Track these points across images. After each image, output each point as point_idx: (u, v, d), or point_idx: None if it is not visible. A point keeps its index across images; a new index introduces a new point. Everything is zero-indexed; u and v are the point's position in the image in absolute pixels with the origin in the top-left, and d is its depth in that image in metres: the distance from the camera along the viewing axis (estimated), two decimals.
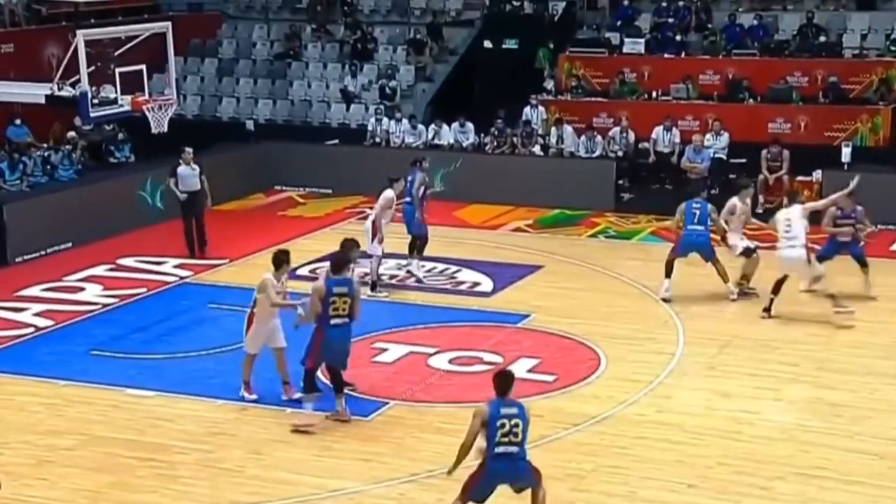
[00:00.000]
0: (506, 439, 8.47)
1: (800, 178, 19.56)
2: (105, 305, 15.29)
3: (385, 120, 22.69)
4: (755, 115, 21.74)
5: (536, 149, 21.55)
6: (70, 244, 18.04)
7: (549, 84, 23.37)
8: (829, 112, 21.44)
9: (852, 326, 13.92)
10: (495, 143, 21.79)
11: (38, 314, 14.89)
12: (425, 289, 15.76)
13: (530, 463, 8.69)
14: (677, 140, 20.94)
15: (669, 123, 21.22)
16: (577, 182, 20.28)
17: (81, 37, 15.33)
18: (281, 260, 11.78)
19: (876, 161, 19.89)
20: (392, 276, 16.20)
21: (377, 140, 22.62)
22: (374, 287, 15.33)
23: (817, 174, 19.35)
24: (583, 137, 21.43)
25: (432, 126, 22.47)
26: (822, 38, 23.04)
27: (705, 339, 13.59)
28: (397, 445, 10.88)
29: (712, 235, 15.23)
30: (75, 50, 15.25)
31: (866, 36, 23.26)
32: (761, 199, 19.50)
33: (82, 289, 16.02)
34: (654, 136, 21.33)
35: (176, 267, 16.83)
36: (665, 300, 14.92)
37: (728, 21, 24.05)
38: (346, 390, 11.55)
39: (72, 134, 21.69)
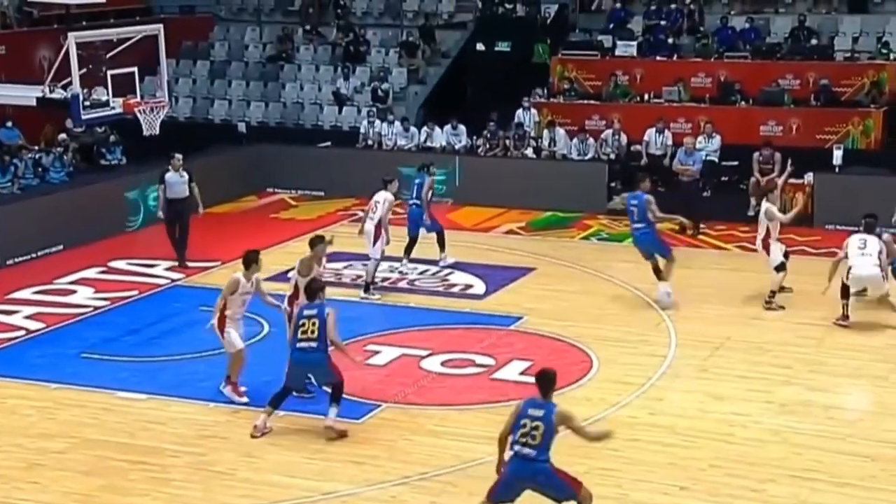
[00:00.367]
0: (523, 440, 8.45)
1: (791, 180, 19.55)
2: (96, 308, 15.26)
3: (377, 122, 22.69)
4: (747, 117, 21.77)
5: (529, 151, 21.56)
6: (61, 247, 18.00)
7: (553, 77, 23.36)
8: (820, 115, 21.47)
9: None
10: (488, 146, 21.80)
11: (29, 317, 14.86)
12: (417, 291, 15.75)
13: (559, 471, 8.52)
14: (669, 142, 20.95)
15: (662, 126, 21.23)
16: (570, 184, 20.30)
17: (73, 39, 15.31)
18: (251, 259, 11.81)
19: (868, 164, 19.94)
20: (384, 279, 16.19)
21: (369, 142, 22.61)
22: (367, 289, 15.37)
23: (809, 177, 19.39)
24: (575, 140, 21.44)
25: (425, 128, 22.47)
26: (814, 41, 23.08)
27: (697, 341, 13.60)
28: (389, 448, 10.87)
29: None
30: (67, 52, 15.23)
31: (858, 39, 23.30)
32: (752, 201, 19.50)
33: (73, 291, 15.98)
34: (646, 138, 21.34)
35: (167, 269, 16.79)
36: (663, 307, 14.78)
37: (720, 24, 24.09)
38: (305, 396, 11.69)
39: (63, 136, 21.64)
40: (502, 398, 11.95)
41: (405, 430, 11.24)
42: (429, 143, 22.25)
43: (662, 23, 24.46)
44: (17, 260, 17.38)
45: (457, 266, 16.80)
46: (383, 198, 15.49)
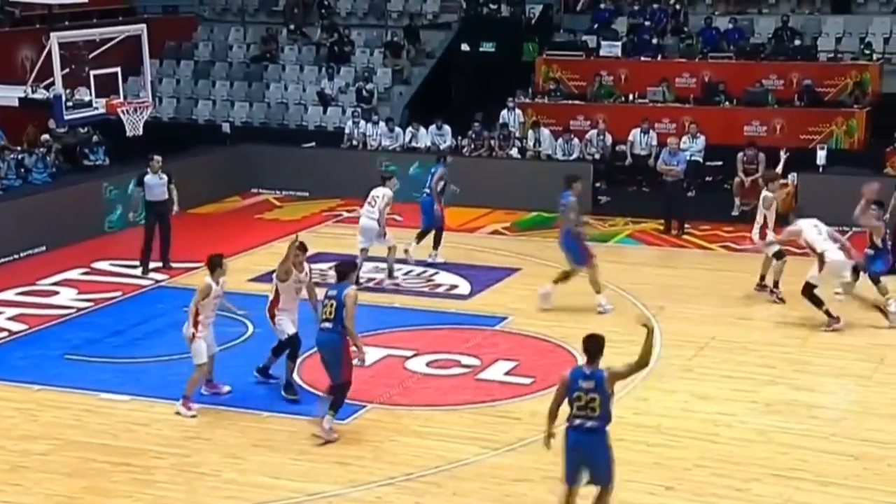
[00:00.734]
0: (582, 413, 8.50)
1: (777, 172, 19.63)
2: (80, 309, 15.17)
3: (362, 123, 22.66)
4: (731, 117, 21.84)
5: (514, 151, 21.57)
6: (44, 248, 17.90)
7: (537, 77, 23.38)
8: (804, 115, 21.56)
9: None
10: (472, 146, 21.79)
11: (11, 318, 14.76)
12: (403, 291, 15.73)
13: (609, 449, 8.59)
14: (654, 143, 21.01)
15: (646, 126, 21.28)
16: (555, 184, 20.23)
17: (55, 39, 15.24)
18: (215, 264, 11.71)
19: (851, 164, 20.02)
20: (370, 280, 16.16)
21: (354, 143, 22.58)
22: (390, 275, 15.97)
23: (793, 176, 19.40)
24: (560, 140, 21.46)
25: (409, 129, 22.45)
26: (798, 42, 23.18)
27: (682, 341, 13.60)
28: (375, 449, 10.84)
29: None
30: (49, 52, 15.16)
31: (841, 39, 23.42)
32: (737, 201, 19.58)
33: (57, 292, 15.89)
34: (630, 138, 21.40)
35: (151, 270, 16.70)
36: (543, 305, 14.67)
37: (704, 24, 24.16)
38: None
39: (46, 137, 21.53)
40: (487, 398, 11.96)
41: (390, 430, 11.21)
42: (413, 144, 22.24)
43: (647, 23, 24.53)
44: None
45: (442, 266, 16.79)
46: (381, 193, 15.70)
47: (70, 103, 15.56)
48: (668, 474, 10.23)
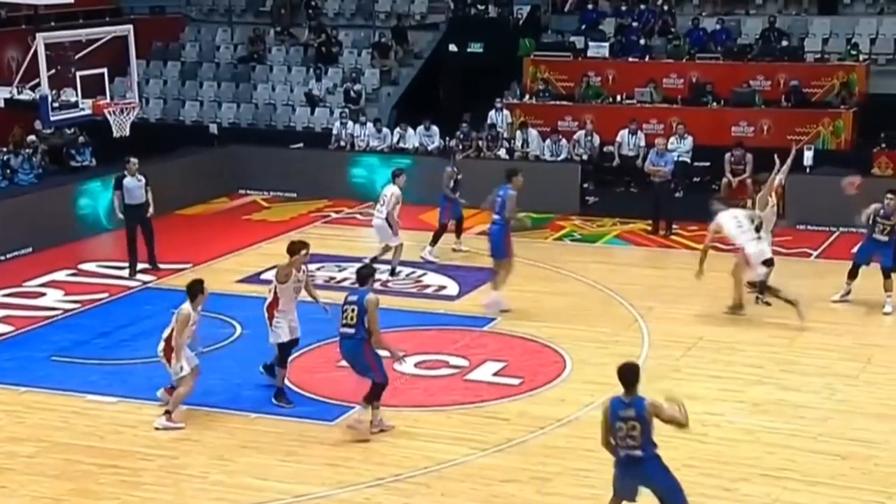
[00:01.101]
0: (624, 443, 8.41)
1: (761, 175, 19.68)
2: (66, 311, 15.12)
3: (350, 123, 22.64)
4: (719, 118, 21.88)
5: (502, 152, 21.56)
6: (30, 249, 17.84)
7: (525, 78, 23.39)
8: (791, 116, 21.61)
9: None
10: (460, 147, 21.77)
11: None
12: (390, 292, 15.70)
13: (666, 469, 8.50)
14: (642, 143, 21.03)
15: (634, 127, 21.30)
16: (543, 185, 20.28)
17: (41, 39, 15.15)
18: (196, 291, 11.36)
19: (838, 164, 20.05)
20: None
21: (342, 144, 22.55)
22: (393, 272, 16.13)
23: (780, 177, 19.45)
24: (548, 141, 21.47)
25: (397, 129, 22.44)
26: (785, 43, 23.23)
27: (670, 341, 13.63)
28: (363, 450, 10.82)
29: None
30: (35, 53, 15.08)
31: (828, 40, 23.48)
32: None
33: (43, 294, 15.84)
34: (618, 139, 21.42)
35: (139, 272, 16.65)
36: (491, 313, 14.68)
37: (691, 25, 24.20)
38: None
39: (32, 138, 21.44)
40: (476, 399, 11.96)
41: (378, 431, 11.14)
42: (402, 145, 22.22)
43: (634, 24, 24.56)
44: None
45: (430, 267, 16.80)
46: (390, 192, 15.98)
47: (56, 104, 15.47)
48: None
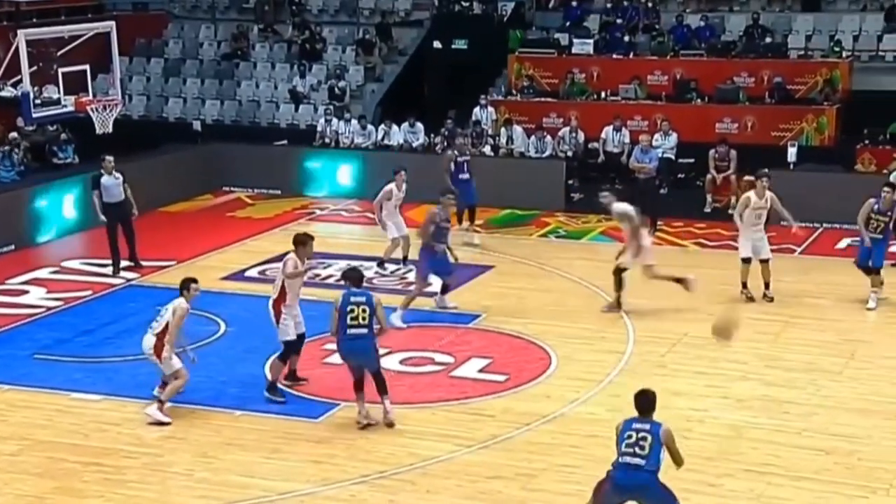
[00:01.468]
0: (630, 450, 8.29)
1: (747, 177, 19.69)
2: (49, 308, 15.04)
3: (334, 120, 22.60)
4: (703, 115, 21.93)
5: (486, 149, 21.56)
6: (12, 247, 17.74)
7: (510, 75, 23.42)
8: (775, 112, 21.68)
9: None
10: (445, 144, 21.75)
11: None
12: (376, 290, 15.64)
13: (666, 487, 8.39)
14: (627, 140, 21.06)
15: (619, 124, 21.33)
16: (528, 182, 20.31)
17: (23, 36, 15.14)
18: (187, 283, 11.38)
19: (822, 161, 20.14)
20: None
21: (326, 140, 22.51)
22: (381, 264, 16.19)
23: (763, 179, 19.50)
24: (532, 137, 21.48)
25: (382, 126, 22.41)
26: (768, 39, 23.31)
27: (655, 337, 13.65)
28: (348, 447, 10.80)
29: None
30: (17, 50, 15.04)
31: (811, 37, 23.56)
32: (709, 198, 19.66)
33: (26, 292, 15.75)
34: (603, 136, 21.45)
35: (122, 269, 16.56)
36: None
37: (676, 22, 24.25)
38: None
39: (14, 135, 21.32)
40: (461, 396, 11.96)
41: (364, 428, 11.14)
42: (386, 142, 22.19)
43: (618, 21, 24.60)
44: None
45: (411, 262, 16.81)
46: (386, 188, 16.14)
47: (38, 101, 15.45)
48: None
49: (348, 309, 10.95)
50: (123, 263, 16.46)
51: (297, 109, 24.28)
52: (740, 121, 21.66)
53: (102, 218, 16.44)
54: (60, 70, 15.62)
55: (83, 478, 10.22)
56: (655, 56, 23.47)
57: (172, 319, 11.17)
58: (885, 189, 14.66)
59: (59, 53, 15.95)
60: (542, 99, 23.13)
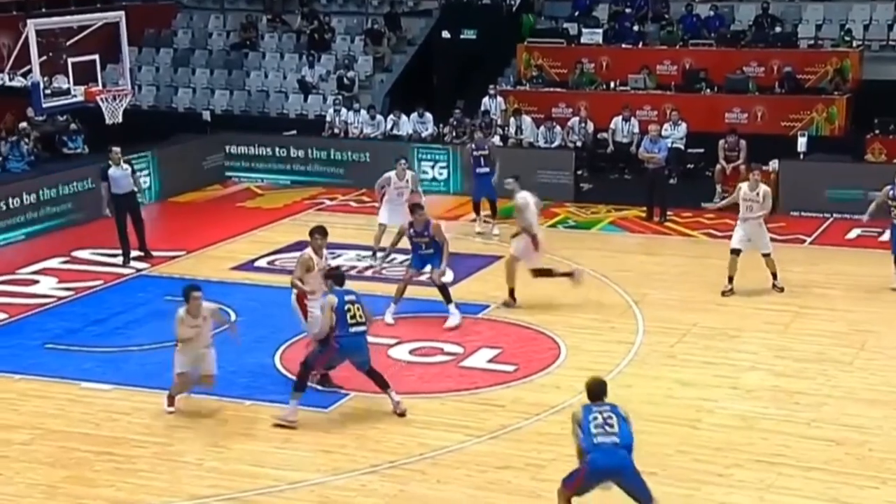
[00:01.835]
0: (600, 430, 8.41)
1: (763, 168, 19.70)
2: (60, 298, 15.09)
3: (343, 110, 22.61)
4: (712, 105, 21.88)
5: (496, 139, 21.52)
6: (23, 236, 17.79)
7: (519, 65, 23.44)
8: (785, 102, 21.63)
9: None
10: (454, 134, 21.75)
11: None
12: (384, 279, 15.69)
13: (637, 470, 8.50)
14: (636, 130, 21.03)
15: (628, 114, 21.29)
16: (537, 172, 20.29)
17: (32, 26, 15.16)
18: (185, 296, 11.25)
19: (832, 150, 20.09)
20: (352, 268, 16.14)
21: (335, 131, 22.52)
22: (374, 253, 16.35)
23: (774, 163, 19.49)
24: (542, 128, 21.46)
25: (391, 116, 22.41)
26: (778, 29, 23.25)
27: (665, 327, 13.64)
28: (358, 437, 10.82)
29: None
30: (26, 39, 15.07)
31: (821, 26, 23.49)
32: (718, 188, 19.63)
33: (36, 281, 15.80)
34: (612, 126, 21.41)
35: (132, 259, 16.61)
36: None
37: (685, 11, 24.19)
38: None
39: (24, 125, 21.37)
40: (471, 386, 11.97)
41: (373, 418, 11.19)
42: (395, 131, 22.19)
43: (627, 10, 24.55)
44: None
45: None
46: (384, 175, 16.50)
47: (48, 91, 15.48)
48: (650, 460, 10.18)
49: (346, 308, 10.97)
50: (133, 253, 16.50)
51: (306, 99, 24.29)
52: (750, 111, 21.61)
53: (107, 212, 16.46)
54: (70, 60, 15.66)
55: (94, 467, 10.26)
56: (665, 46, 23.43)
57: (175, 328, 11.25)
58: None
59: (68, 43, 16.00)
60: (552, 89, 23.10)
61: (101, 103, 15.98)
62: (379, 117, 22.44)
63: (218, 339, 12.96)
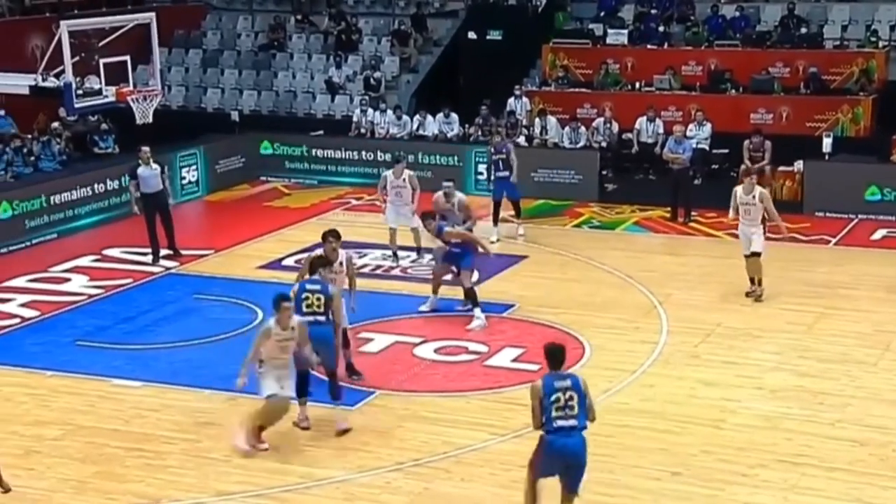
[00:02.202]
0: (562, 412, 8.48)
1: (781, 168, 19.70)
2: (91, 296, 15.29)
3: (370, 111, 22.73)
4: (737, 105, 21.86)
5: (521, 139, 21.62)
6: (55, 235, 18.04)
7: (544, 65, 23.54)
8: (810, 103, 21.58)
9: None
10: (480, 131, 21.82)
11: (23, 305, 14.89)
12: (410, 278, 15.82)
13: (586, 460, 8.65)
14: (660, 131, 21.03)
15: (653, 114, 21.31)
16: (562, 172, 20.38)
17: (65, 27, 15.36)
18: (275, 304, 10.54)
19: (857, 151, 20.04)
20: (377, 267, 16.28)
21: (362, 131, 22.65)
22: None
23: (799, 164, 19.49)
24: (567, 128, 21.50)
25: (417, 117, 22.52)
26: (804, 30, 23.19)
27: (688, 328, 13.68)
28: (383, 435, 10.92)
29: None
30: (59, 40, 15.26)
31: (847, 27, 23.40)
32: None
33: (68, 279, 16.01)
34: (637, 126, 21.43)
35: (162, 257, 16.80)
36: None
37: (710, 12, 24.17)
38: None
39: (56, 125, 21.63)
40: (495, 385, 12.05)
41: (399, 416, 11.29)
42: (421, 132, 22.30)
43: (653, 11, 24.55)
44: (11, 248, 17.41)
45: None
46: (383, 174, 16.59)
47: (80, 91, 15.66)
48: (673, 460, 10.32)
49: (303, 296, 10.88)
50: (163, 252, 16.70)
51: (333, 100, 24.44)
52: (775, 111, 21.58)
53: (135, 210, 16.67)
54: (102, 61, 15.84)
55: (124, 463, 10.41)
56: (690, 46, 23.42)
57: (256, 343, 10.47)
58: None
59: (100, 44, 16.17)
60: (577, 89, 23.14)
61: (131, 103, 16.17)
62: (405, 118, 22.55)
63: (246, 337, 13.14)
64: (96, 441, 10.85)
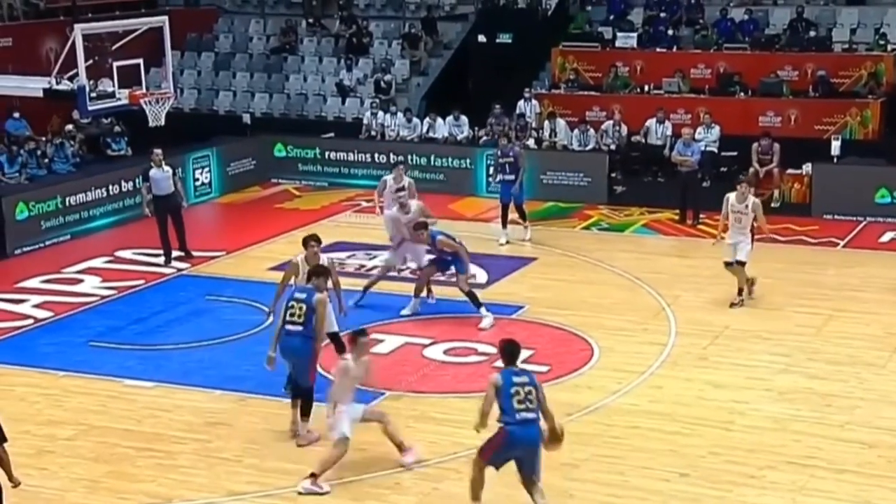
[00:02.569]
0: (522, 406, 8.89)
1: (790, 171, 19.74)
2: (103, 297, 15.40)
3: (380, 113, 22.81)
4: (746, 108, 21.88)
5: (530, 142, 21.67)
6: (68, 236, 18.16)
7: (553, 68, 23.60)
8: (819, 106, 21.58)
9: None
10: (491, 130, 21.86)
11: (37, 305, 15.02)
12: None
13: (541, 436, 8.99)
14: (669, 133, 21.05)
15: (662, 116, 21.34)
16: (571, 175, 20.43)
17: (79, 31, 15.44)
18: (351, 343, 10.22)
19: (866, 154, 20.06)
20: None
21: (372, 133, 22.73)
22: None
23: (807, 167, 19.52)
24: (576, 131, 21.55)
25: (427, 119, 22.59)
26: (812, 33, 23.19)
27: (697, 329, 13.72)
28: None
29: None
30: (73, 44, 15.36)
31: (855, 31, 23.40)
32: (752, 192, 19.61)
33: (81, 280, 16.12)
34: (646, 129, 21.46)
35: (174, 259, 16.91)
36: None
37: (719, 15, 24.19)
38: None
39: (69, 127, 21.76)
40: None
41: (408, 417, 11.35)
42: (431, 134, 22.37)
43: (662, 14, 24.57)
44: (25, 249, 17.54)
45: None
46: (382, 178, 16.45)
47: (93, 94, 15.75)
48: (682, 461, 10.36)
49: (289, 304, 10.77)
50: (175, 254, 16.80)
51: (343, 103, 24.52)
52: (784, 114, 21.59)
53: (146, 212, 16.80)
54: (115, 64, 15.92)
55: (136, 462, 10.50)
56: (699, 49, 23.44)
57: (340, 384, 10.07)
58: None
59: (113, 48, 16.25)
60: (586, 92, 23.18)
61: (144, 106, 16.24)
62: (415, 120, 22.63)
63: (257, 338, 13.23)
64: (108, 441, 10.94)
